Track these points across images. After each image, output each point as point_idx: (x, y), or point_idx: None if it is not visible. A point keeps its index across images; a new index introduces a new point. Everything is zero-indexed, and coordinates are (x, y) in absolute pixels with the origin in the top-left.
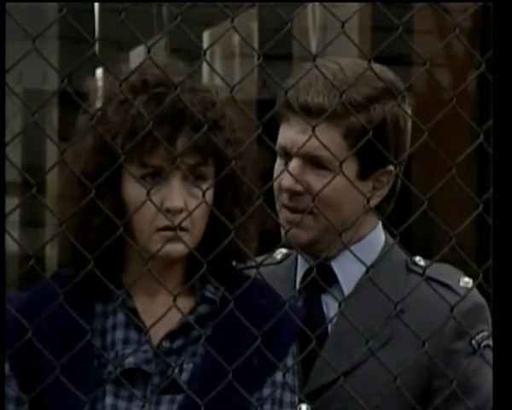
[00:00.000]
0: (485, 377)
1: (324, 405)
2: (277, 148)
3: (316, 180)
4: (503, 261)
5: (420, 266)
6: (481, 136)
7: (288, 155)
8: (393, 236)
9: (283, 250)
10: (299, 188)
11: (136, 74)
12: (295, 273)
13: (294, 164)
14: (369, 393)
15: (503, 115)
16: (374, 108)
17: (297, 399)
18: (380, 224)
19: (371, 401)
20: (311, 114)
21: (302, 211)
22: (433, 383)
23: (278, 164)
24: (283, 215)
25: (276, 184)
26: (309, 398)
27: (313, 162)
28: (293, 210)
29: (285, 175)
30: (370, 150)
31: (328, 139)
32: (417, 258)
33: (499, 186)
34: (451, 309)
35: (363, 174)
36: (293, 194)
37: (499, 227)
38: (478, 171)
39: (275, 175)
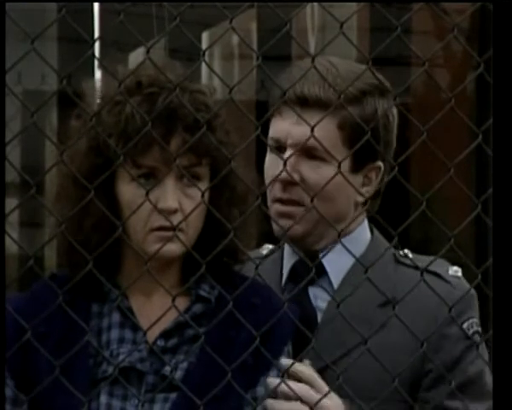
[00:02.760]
0: (471, 361)
1: None
2: (269, 141)
3: (310, 171)
4: (503, 262)
5: (408, 258)
6: (480, 136)
7: (280, 148)
8: (392, 236)
9: (269, 246)
10: (293, 178)
11: (130, 76)
12: (281, 268)
13: (289, 155)
14: (362, 379)
15: (502, 115)
16: (367, 102)
17: None
18: (366, 220)
19: (364, 386)
20: (307, 104)
21: (295, 203)
22: (425, 366)
23: (269, 158)
24: (275, 208)
25: (268, 177)
26: None
27: (307, 153)
28: (285, 202)
29: (279, 166)
30: (362, 144)
31: (324, 130)
32: (405, 250)
33: (499, 186)
34: (453, 308)
35: (355, 167)
36: (287, 184)
37: (499, 227)
38: (476, 171)
39: (266, 168)
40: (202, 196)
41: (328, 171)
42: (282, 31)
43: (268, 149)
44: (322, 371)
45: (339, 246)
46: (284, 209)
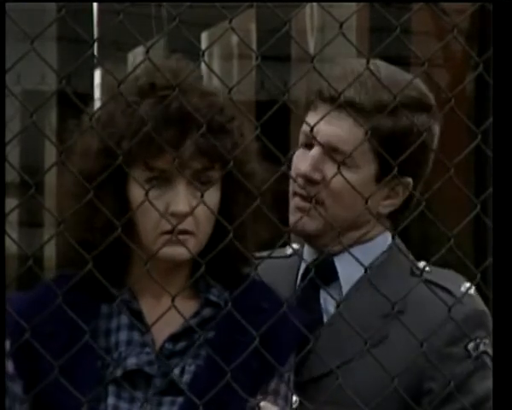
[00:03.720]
0: (478, 381)
1: (313, 396)
2: (300, 134)
3: (332, 172)
4: (503, 262)
5: (424, 271)
6: (479, 136)
7: (309, 143)
8: (392, 236)
9: (295, 246)
10: (314, 176)
11: (145, 77)
12: (298, 267)
13: (314, 152)
14: (359, 387)
15: (502, 115)
16: (402, 114)
17: (289, 408)
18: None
19: (361, 395)
20: (339, 104)
21: (313, 201)
22: (424, 385)
23: (298, 151)
24: (294, 202)
25: (293, 171)
26: (299, 388)
27: (333, 154)
28: (304, 198)
29: (304, 161)
30: (391, 157)
31: (352, 135)
32: (422, 263)
33: (499, 186)
34: (449, 310)
35: (381, 178)
36: (308, 181)
37: (499, 227)
38: (475, 171)
39: (293, 161)
40: (202, 196)
41: (350, 176)
42: (281, 31)
43: (299, 143)
44: (320, 378)
45: (354, 252)
46: (302, 204)
